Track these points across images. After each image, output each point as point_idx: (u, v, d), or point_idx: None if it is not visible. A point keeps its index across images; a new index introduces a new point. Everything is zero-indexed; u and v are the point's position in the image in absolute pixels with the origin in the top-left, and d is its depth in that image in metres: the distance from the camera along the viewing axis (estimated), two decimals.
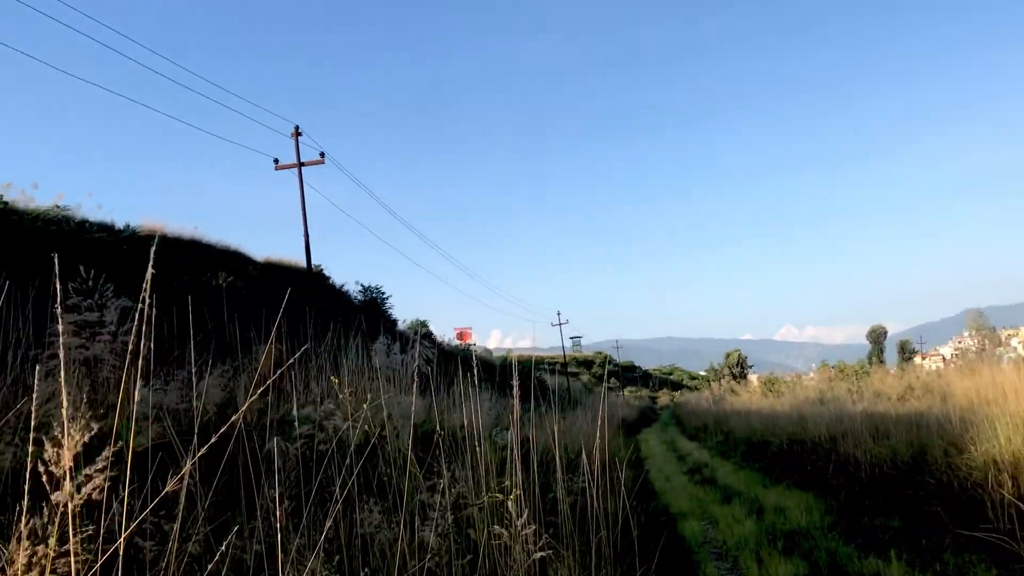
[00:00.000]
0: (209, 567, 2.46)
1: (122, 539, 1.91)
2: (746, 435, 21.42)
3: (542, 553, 4.08)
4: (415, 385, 4.14)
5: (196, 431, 2.19)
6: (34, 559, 2.21)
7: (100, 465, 2.16)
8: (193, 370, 3.10)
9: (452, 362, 10.18)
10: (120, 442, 2.15)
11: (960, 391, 12.74)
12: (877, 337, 74.57)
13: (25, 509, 2.22)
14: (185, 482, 2.26)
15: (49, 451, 2.17)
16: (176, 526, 2.38)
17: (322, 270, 27.85)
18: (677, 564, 8.16)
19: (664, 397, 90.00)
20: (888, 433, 12.26)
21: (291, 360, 2.57)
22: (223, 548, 2.35)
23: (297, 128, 23.13)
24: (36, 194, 16.68)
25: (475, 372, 5.28)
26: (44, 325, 4.95)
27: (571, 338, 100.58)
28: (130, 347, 2.04)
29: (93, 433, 2.27)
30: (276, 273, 23.97)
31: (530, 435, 6.49)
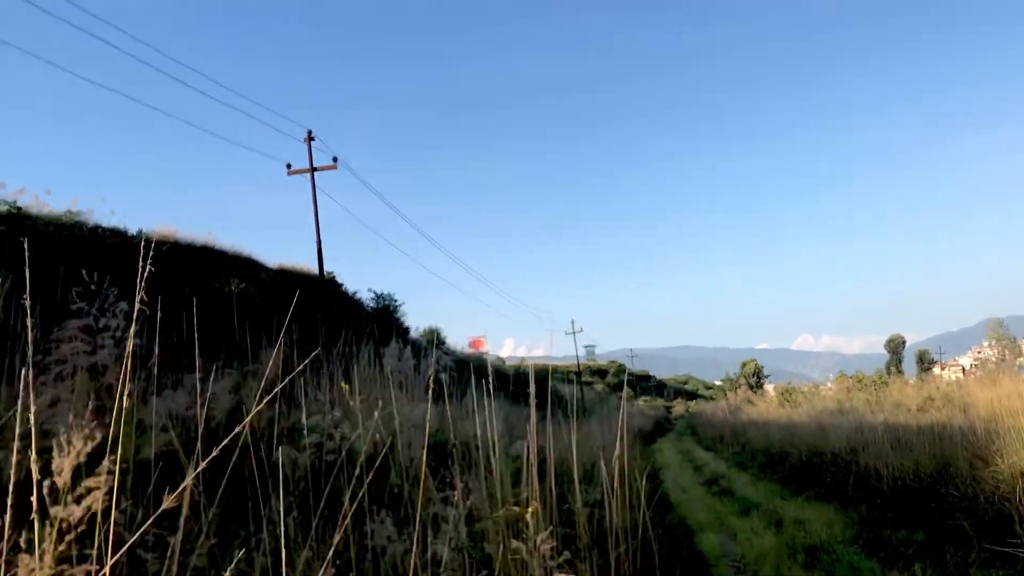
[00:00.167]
0: None
1: (109, 562, 1.79)
2: (763, 446, 21.18)
3: (562, 575, 3.94)
4: (429, 392, 4.02)
5: (200, 440, 2.08)
6: None
7: (102, 477, 2.05)
8: (198, 376, 2.99)
9: (465, 370, 10.05)
10: (115, 453, 2.04)
11: (982, 402, 12.52)
12: (895, 347, 73.87)
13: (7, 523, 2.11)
14: (187, 493, 2.15)
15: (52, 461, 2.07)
16: (177, 539, 2.26)
17: (335, 277, 27.81)
18: None
19: (679, 407, 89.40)
20: (910, 445, 12.03)
21: (300, 367, 2.46)
22: (230, 562, 2.24)
23: (310, 133, 23.11)
24: (49, 199, 16.70)
25: (489, 380, 5.15)
26: (50, 331, 4.87)
27: (585, 347, 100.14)
28: (128, 349, 1.93)
29: (96, 443, 2.17)
30: (289, 280, 23.93)
31: (546, 445, 6.35)
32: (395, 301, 30.93)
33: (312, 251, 23.82)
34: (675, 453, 30.73)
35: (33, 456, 2.00)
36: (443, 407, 7.46)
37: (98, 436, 2.04)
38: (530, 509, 3.96)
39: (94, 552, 1.87)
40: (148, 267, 1.96)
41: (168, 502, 1.79)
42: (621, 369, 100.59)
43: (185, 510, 2.18)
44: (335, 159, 23.30)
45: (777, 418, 24.71)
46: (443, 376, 8.67)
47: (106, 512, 2.03)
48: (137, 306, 1.94)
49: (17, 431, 2.09)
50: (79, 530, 1.97)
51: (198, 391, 2.85)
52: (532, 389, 4.77)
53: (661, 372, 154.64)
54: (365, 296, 30.19)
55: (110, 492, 1.99)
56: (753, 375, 69.39)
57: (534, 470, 4.48)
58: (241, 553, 2.29)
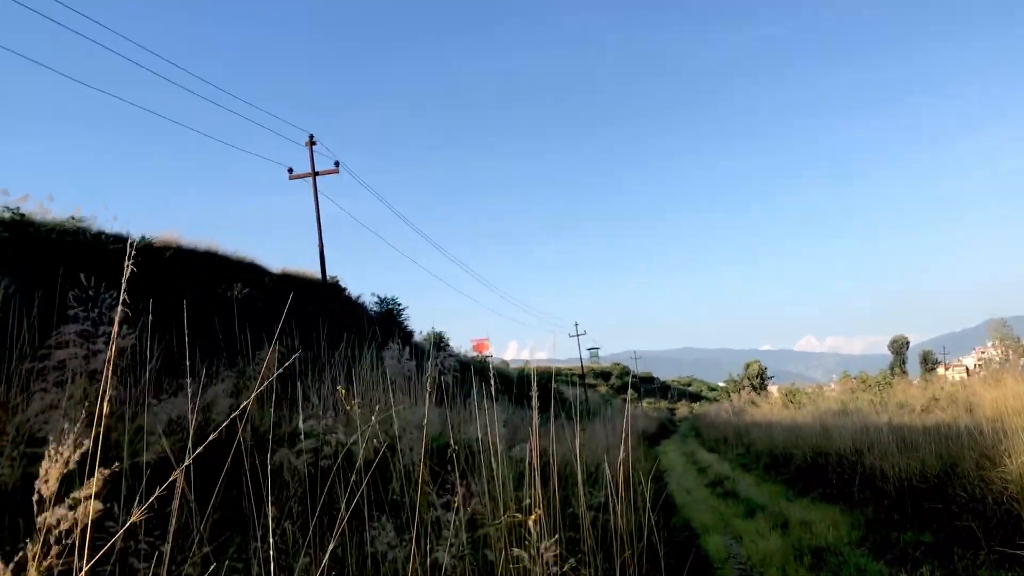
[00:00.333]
0: None
1: (85, 568, 1.73)
2: (767, 447, 21.10)
3: None
4: (427, 395, 3.95)
5: (190, 447, 2.02)
6: None
7: (94, 488, 1.99)
8: (188, 380, 2.93)
9: (468, 373, 10.00)
10: (97, 460, 1.97)
11: (988, 402, 12.42)
12: (899, 347, 73.61)
13: None
14: (176, 501, 2.09)
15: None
16: (167, 547, 2.21)
17: (338, 281, 27.78)
18: None
19: (683, 409, 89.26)
20: (915, 445, 11.94)
21: (280, 369, 2.40)
22: (221, 570, 2.18)
23: (312, 137, 23.09)
24: (52, 206, 16.67)
25: (492, 383, 5.08)
26: (48, 336, 4.82)
27: (589, 349, 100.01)
28: (109, 354, 1.87)
29: (83, 450, 2.11)
30: (292, 285, 23.88)
31: (549, 447, 6.29)
32: (398, 305, 30.88)
33: (316, 255, 23.79)
34: (679, 455, 30.64)
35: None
36: (447, 410, 7.39)
37: (85, 444, 1.98)
38: (532, 517, 3.88)
39: (76, 563, 1.81)
40: (130, 267, 1.90)
41: (137, 515, 1.72)
42: (625, 371, 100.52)
43: (174, 520, 2.11)
44: (337, 163, 23.28)
45: (781, 419, 24.62)
46: (448, 379, 8.61)
47: (97, 521, 1.97)
48: (120, 308, 1.89)
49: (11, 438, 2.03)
50: (67, 542, 1.91)
51: (189, 395, 2.79)
52: (534, 391, 4.70)
53: (664, 374, 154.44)
54: (369, 300, 30.14)
55: (101, 500, 1.93)
56: (756, 376, 69.21)
57: (537, 474, 4.41)
58: (231, 558, 2.23)
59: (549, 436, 5.76)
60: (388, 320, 28.67)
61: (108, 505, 2.05)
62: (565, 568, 3.94)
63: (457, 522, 3.88)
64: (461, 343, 45.69)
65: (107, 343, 4.03)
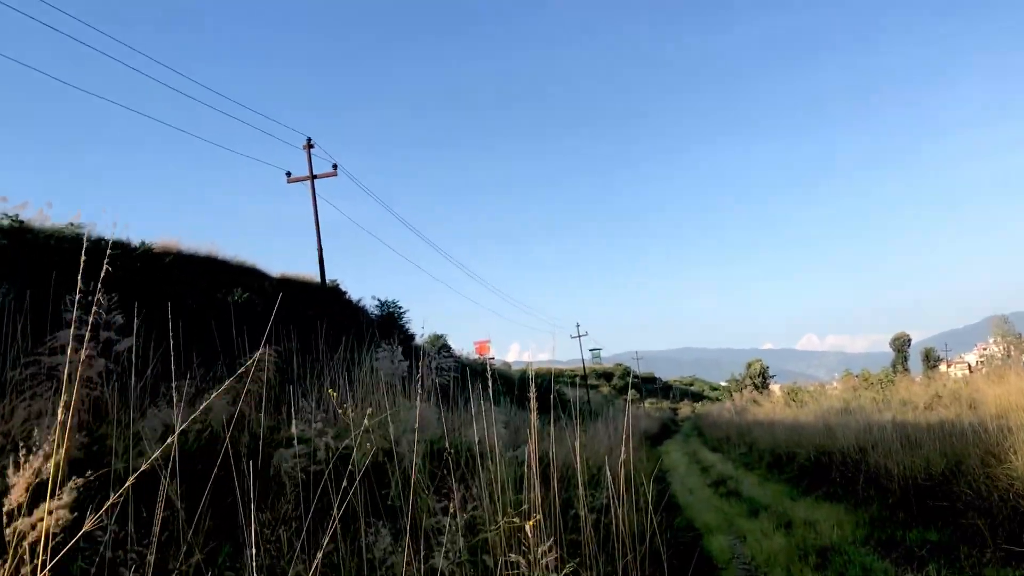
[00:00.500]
0: None
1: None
2: (770, 446, 21.01)
3: None
4: (417, 398, 3.88)
5: (175, 456, 1.95)
6: None
7: (66, 499, 1.93)
8: (173, 386, 2.86)
9: (470, 376, 9.94)
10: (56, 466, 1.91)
11: (991, 398, 12.33)
12: (901, 345, 73.41)
13: None
14: (159, 508, 2.02)
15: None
16: (152, 556, 2.14)
17: (338, 285, 27.69)
18: None
19: (685, 408, 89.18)
20: (919, 443, 11.85)
21: (272, 370, 2.33)
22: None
23: (309, 140, 23.01)
24: (51, 213, 16.61)
25: (491, 385, 5.01)
26: (40, 342, 4.76)
27: (591, 350, 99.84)
28: (81, 356, 1.80)
29: (59, 459, 2.05)
30: (292, 289, 23.79)
31: (549, 449, 6.22)
32: (399, 308, 30.77)
33: (315, 259, 23.70)
34: (682, 455, 30.56)
35: None
36: (447, 412, 7.32)
37: (60, 453, 1.91)
38: (530, 523, 3.81)
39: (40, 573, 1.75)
40: (105, 267, 1.84)
41: (89, 524, 1.65)
42: (627, 372, 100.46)
43: (157, 529, 2.05)
44: (335, 166, 23.20)
45: (783, 418, 24.54)
46: (447, 380, 8.53)
47: (74, 529, 1.91)
48: (94, 309, 1.83)
49: None
50: (41, 557, 1.85)
51: (174, 401, 2.73)
52: (532, 392, 4.63)
53: (666, 374, 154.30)
54: (369, 304, 30.04)
55: (77, 510, 1.87)
56: (758, 375, 69.09)
57: (536, 478, 4.34)
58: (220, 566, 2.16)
59: (550, 437, 5.70)
60: (389, 323, 28.56)
61: (75, 514, 1.98)
62: (565, 572, 3.87)
63: (455, 527, 3.82)
64: (464, 345, 45.59)
65: (100, 349, 3.97)
